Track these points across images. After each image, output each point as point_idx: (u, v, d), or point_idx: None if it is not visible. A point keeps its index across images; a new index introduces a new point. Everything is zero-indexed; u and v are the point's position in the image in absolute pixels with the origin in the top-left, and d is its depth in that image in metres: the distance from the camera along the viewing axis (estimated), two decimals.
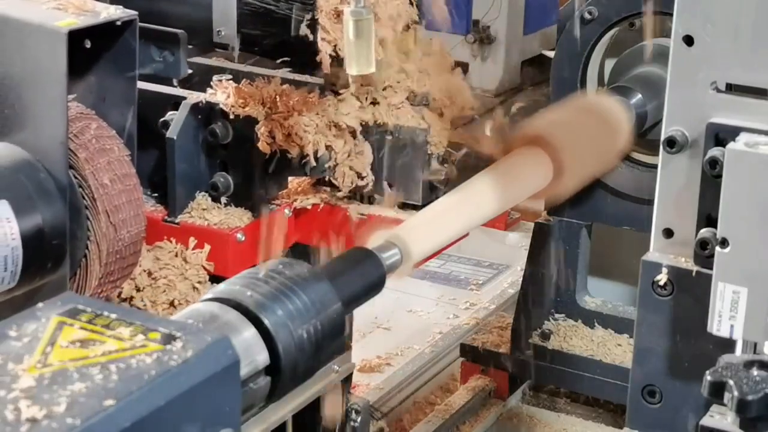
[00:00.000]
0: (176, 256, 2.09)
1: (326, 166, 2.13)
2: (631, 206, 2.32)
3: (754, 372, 1.31)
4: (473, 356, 2.58)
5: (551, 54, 2.37)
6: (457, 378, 2.66)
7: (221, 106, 2.11)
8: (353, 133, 2.15)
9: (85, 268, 1.79)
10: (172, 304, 2.06)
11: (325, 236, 2.19)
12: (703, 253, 1.52)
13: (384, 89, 2.17)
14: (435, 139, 2.16)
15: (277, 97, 2.12)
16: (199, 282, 2.07)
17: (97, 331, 1.06)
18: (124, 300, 2.02)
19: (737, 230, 1.44)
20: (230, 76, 2.19)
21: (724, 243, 1.45)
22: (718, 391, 1.30)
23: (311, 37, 2.13)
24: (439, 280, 3.23)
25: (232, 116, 2.11)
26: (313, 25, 2.14)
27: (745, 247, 1.43)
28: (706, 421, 1.47)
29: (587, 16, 2.29)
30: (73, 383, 0.98)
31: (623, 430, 1.72)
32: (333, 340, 1.35)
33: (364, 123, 2.15)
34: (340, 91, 2.18)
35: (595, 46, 2.32)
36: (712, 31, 1.51)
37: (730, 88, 1.52)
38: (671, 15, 1.55)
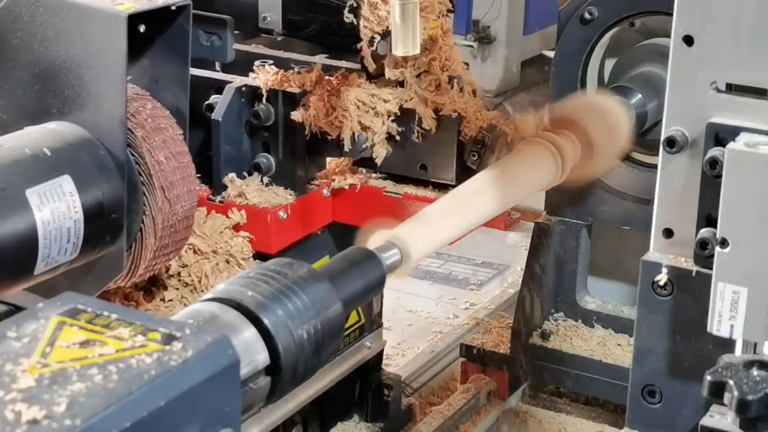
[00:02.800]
0: (221, 233, 2.13)
1: (363, 146, 2.21)
2: (631, 206, 2.33)
3: (754, 372, 1.31)
4: (473, 356, 2.58)
5: (551, 54, 2.38)
6: (457, 378, 2.66)
7: (263, 89, 2.19)
8: (390, 115, 2.21)
9: (140, 241, 1.85)
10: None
11: (362, 216, 2.26)
12: (703, 253, 1.52)
13: (419, 75, 2.23)
14: (468, 121, 2.22)
15: (318, 83, 2.22)
16: (243, 258, 2.14)
17: (97, 331, 1.06)
18: (172, 276, 2.07)
19: (737, 230, 1.44)
20: (272, 61, 2.29)
21: (724, 243, 1.45)
22: (718, 391, 1.30)
23: (355, 22, 2.21)
24: (439, 280, 3.23)
25: (274, 99, 2.20)
26: (355, 10, 2.22)
27: (745, 247, 1.43)
28: (706, 421, 1.47)
29: (587, 16, 2.29)
30: (73, 383, 0.98)
31: (623, 430, 1.72)
32: (333, 340, 1.35)
33: (400, 106, 2.22)
34: (376, 76, 2.25)
35: (595, 46, 2.32)
36: (712, 31, 1.51)
37: (730, 88, 1.52)
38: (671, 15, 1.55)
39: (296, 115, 2.18)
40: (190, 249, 2.10)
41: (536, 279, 2.46)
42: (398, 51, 1.93)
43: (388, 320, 2.97)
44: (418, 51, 1.95)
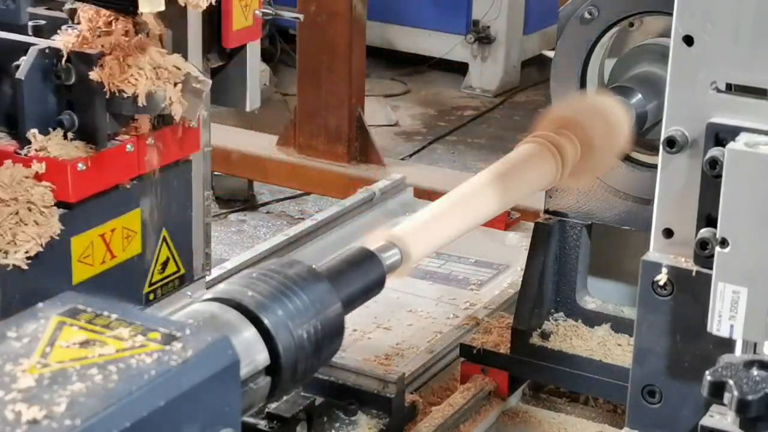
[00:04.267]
0: (21, 182, 2.30)
1: (162, 105, 2.35)
2: (631, 206, 2.33)
3: (754, 372, 1.31)
4: (473, 356, 2.58)
5: (551, 54, 2.38)
6: (457, 378, 2.66)
7: (64, 50, 2.36)
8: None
9: None
10: (19, 225, 2.29)
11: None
12: (703, 253, 1.52)
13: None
14: None
15: (117, 46, 2.35)
16: (45, 206, 2.28)
17: (97, 331, 1.07)
18: None
19: (737, 230, 1.44)
20: (77, 26, 2.43)
21: (724, 243, 1.45)
22: (718, 391, 1.31)
23: None
24: (439, 280, 3.23)
25: (75, 60, 2.36)
26: None
27: (745, 247, 1.44)
28: (706, 421, 1.47)
29: (587, 16, 2.29)
30: (73, 383, 0.98)
31: (623, 430, 1.72)
32: (333, 340, 1.35)
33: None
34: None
35: (595, 46, 2.32)
36: (712, 31, 1.51)
37: (730, 88, 1.53)
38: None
39: (93, 75, 2.33)
40: None
41: (536, 279, 2.46)
42: (145, 7, 1.95)
43: (388, 320, 2.97)
44: (162, 7, 1.97)
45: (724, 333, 1.47)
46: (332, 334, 1.34)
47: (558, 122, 1.98)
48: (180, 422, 1.02)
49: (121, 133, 2.44)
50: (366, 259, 1.52)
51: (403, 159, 5.37)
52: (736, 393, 1.28)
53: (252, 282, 1.30)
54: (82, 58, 2.35)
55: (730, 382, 1.29)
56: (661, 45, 2.26)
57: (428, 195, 3.84)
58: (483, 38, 6.36)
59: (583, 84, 2.34)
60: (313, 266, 1.40)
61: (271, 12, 2.64)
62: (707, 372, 1.32)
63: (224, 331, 1.16)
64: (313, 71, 4.70)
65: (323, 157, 4.77)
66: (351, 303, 1.44)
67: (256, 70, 2.67)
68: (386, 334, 2.92)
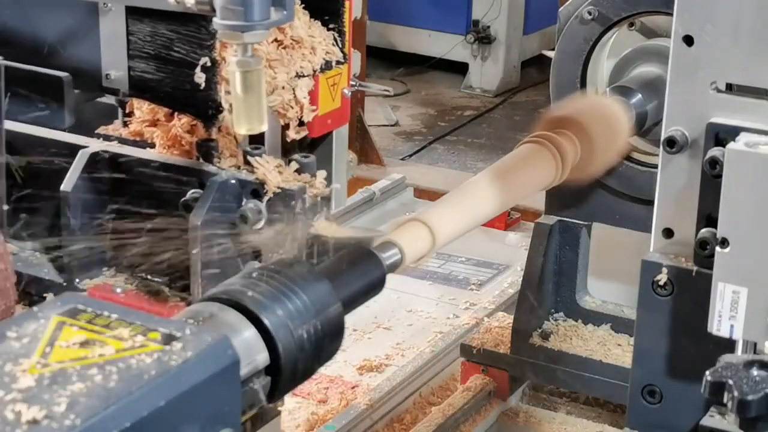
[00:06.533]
0: None
1: None
2: (631, 206, 2.33)
3: (754, 372, 1.31)
4: (473, 356, 2.58)
5: (551, 54, 2.38)
6: (457, 378, 2.66)
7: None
8: None
9: None
10: None
11: None
12: (703, 253, 1.52)
13: None
14: None
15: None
16: None
17: (96, 331, 1.07)
18: None
19: (737, 230, 1.44)
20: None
21: (724, 243, 1.45)
22: (718, 391, 1.31)
23: (203, 84, 1.87)
24: (439, 280, 3.23)
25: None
26: (209, 69, 1.87)
27: (745, 247, 1.43)
28: (706, 421, 1.47)
29: (587, 16, 2.29)
30: (73, 383, 0.98)
31: (623, 430, 1.72)
32: (333, 340, 1.35)
33: None
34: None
35: (596, 46, 2.32)
36: (712, 31, 1.51)
37: (730, 88, 1.52)
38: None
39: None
40: None
41: (536, 279, 2.46)
42: (242, 128, 1.64)
43: (388, 320, 2.97)
44: (265, 127, 1.66)
45: (724, 333, 1.47)
46: (332, 334, 1.34)
47: (558, 122, 1.98)
48: (180, 422, 1.02)
49: None
50: (366, 258, 1.52)
51: (403, 159, 5.36)
52: (736, 393, 1.28)
53: (252, 282, 1.30)
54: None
55: (730, 382, 1.29)
56: (661, 45, 2.26)
57: (428, 195, 3.85)
58: (483, 38, 6.35)
59: (583, 84, 2.34)
60: (314, 266, 1.40)
61: (354, 84, 2.18)
62: (707, 372, 1.32)
63: (224, 331, 1.16)
64: None
65: None
66: (351, 303, 1.44)
67: (342, 163, 2.12)
68: (386, 334, 2.92)
